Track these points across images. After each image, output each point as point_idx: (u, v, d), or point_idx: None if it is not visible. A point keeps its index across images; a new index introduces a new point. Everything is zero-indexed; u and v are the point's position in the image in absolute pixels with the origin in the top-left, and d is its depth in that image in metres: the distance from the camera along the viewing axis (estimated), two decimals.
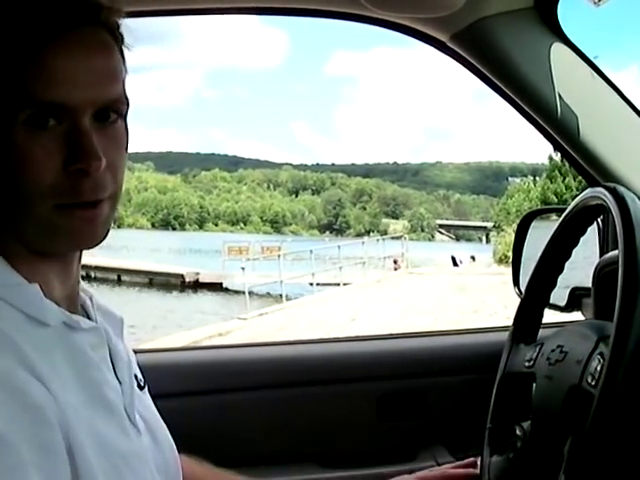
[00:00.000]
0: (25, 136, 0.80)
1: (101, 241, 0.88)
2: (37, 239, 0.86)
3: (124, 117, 0.89)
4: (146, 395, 1.06)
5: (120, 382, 0.94)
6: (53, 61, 0.80)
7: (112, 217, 0.89)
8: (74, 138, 0.82)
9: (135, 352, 1.09)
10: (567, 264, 1.18)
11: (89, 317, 0.97)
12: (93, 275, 25.67)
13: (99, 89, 0.83)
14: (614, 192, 1.00)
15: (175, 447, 1.07)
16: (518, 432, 1.10)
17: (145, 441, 0.96)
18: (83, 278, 0.99)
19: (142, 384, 1.05)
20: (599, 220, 1.54)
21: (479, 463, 1.20)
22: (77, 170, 0.82)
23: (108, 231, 0.89)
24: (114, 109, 0.86)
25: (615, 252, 1.19)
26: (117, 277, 28.04)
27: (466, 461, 1.31)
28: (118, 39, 0.88)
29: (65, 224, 0.84)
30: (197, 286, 25.68)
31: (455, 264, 31.92)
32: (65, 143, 0.81)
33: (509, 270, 1.72)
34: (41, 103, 0.80)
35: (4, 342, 0.79)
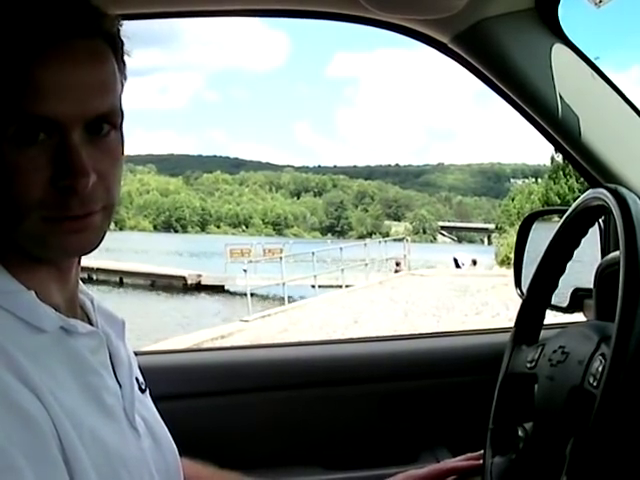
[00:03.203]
0: (13, 150, 0.79)
1: (94, 248, 0.87)
2: (30, 248, 0.85)
3: (119, 128, 0.88)
4: (147, 398, 1.06)
5: (120, 385, 0.94)
6: (42, 74, 0.78)
7: (106, 226, 0.88)
8: (62, 153, 0.80)
9: (136, 354, 1.09)
10: (569, 265, 1.18)
11: (90, 320, 0.97)
12: (95, 277, 25.65)
13: (89, 102, 0.81)
14: (615, 193, 1.00)
15: (176, 450, 1.07)
16: (520, 433, 1.10)
17: (145, 444, 0.96)
18: (84, 280, 0.99)
19: (143, 387, 1.05)
20: (600, 221, 1.54)
21: (482, 463, 1.20)
22: (65, 186, 0.80)
23: (102, 239, 0.88)
24: (107, 121, 0.84)
25: (616, 253, 1.18)
26: (119, 279, 28.04)
27: (468, 455, 1.31)
28: (117, 47, 0.87)
29: (54, 236, 0.83)
30: (199, 288, 25.67)
31: (457, 266, 31.89)
32: (54, 158, 0.80)
33: (511, 272, 1.72)
34: (29, 117, 0.78)
35: None
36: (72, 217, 0.83)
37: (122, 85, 0.88)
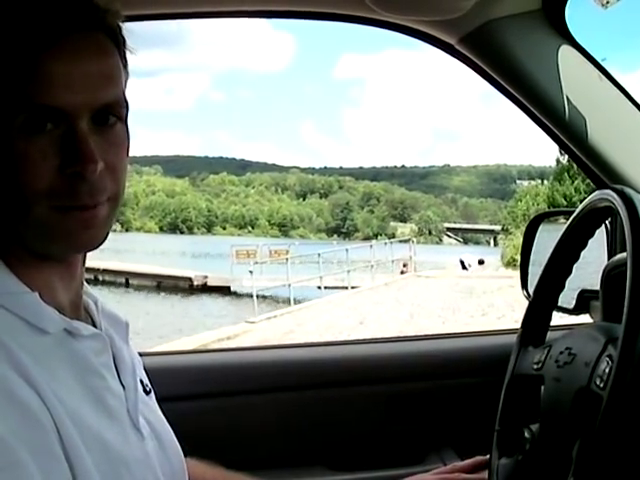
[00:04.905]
0: (22, 140, 0.81)
1: (100, 244, 0.88)
2: (36, 242, 0.85)
3: (124, 120, 0.89)
4: (152, 400, 1.06)
5: (124, 387, 0.94)
6: (50, 65, 0.80)
7: (112, 219, 0.89)
8: (70, 141, 0.82)
9: (141, 355, 1.08)
10: (575, 267, 1.18)
11: (93, 322, 0.97)
12: (101, 278, 25.70)
13: (95, 92, 0.83)
14: (622, 194, 1.00)
15: (181, 451, 1.07)
16: (527, 434, 1.10)
17: (150, 446, 0.96)
18: (90, 281, 0.98)
19: (148, 389, 1.05)
20: (607, 222, 1.53)
21: (488, 465, 1.20)
22: (73, 173, 0.82)
23: (108, 233, 0.89)
24: (112, 112, 0.86)
25: (623, 254, 1.18)
26: (125, 280, 28.09)
27: (474, 460, 1.31)
28: (119, 42, 0.89)
29: (63, 226, 0.84)
30: (205, 289, 25.70)
31: (464, 267, 31.82)
32: (62, 146, 0.82)
33: (517, 273, 1.72)
34: (38, 107, 0.80)
35: None
36: (80, 207, 0.83)
37: (125, 80, 0.90)
